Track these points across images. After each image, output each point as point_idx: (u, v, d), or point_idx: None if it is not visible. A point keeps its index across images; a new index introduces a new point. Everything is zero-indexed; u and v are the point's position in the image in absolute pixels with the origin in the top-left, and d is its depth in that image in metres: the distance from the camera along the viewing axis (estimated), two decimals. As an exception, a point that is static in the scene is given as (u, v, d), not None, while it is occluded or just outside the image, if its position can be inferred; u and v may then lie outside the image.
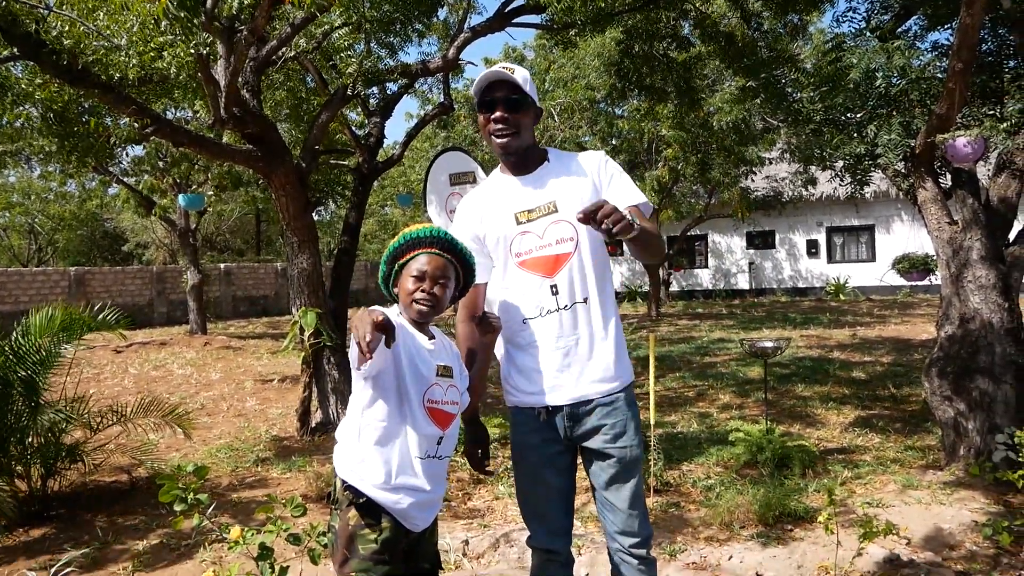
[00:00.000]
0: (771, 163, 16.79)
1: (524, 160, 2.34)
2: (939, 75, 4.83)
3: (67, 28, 4.90)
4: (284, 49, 6.46)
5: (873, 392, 7.50)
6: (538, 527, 2.36)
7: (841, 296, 20.99)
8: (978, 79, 4.77)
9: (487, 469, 2.45)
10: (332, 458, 2.17)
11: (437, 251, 2.15)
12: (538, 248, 2.27)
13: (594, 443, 2.28)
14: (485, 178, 3.10)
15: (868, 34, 5.02)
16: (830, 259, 22.69)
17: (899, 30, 5.22)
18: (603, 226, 1.94)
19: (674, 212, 18.25)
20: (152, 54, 4.86)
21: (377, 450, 2.05)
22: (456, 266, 2.18)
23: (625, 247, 2.20)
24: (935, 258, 5.12)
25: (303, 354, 6.41)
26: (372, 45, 7.29)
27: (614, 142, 15.67)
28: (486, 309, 2.37)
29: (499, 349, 2.43)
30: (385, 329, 1.81)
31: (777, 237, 23.37)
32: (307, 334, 6.28)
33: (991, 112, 4.75)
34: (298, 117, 9.50)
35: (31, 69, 6.29)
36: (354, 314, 1.96)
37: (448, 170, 6.00)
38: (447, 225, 3.52)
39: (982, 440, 4.51)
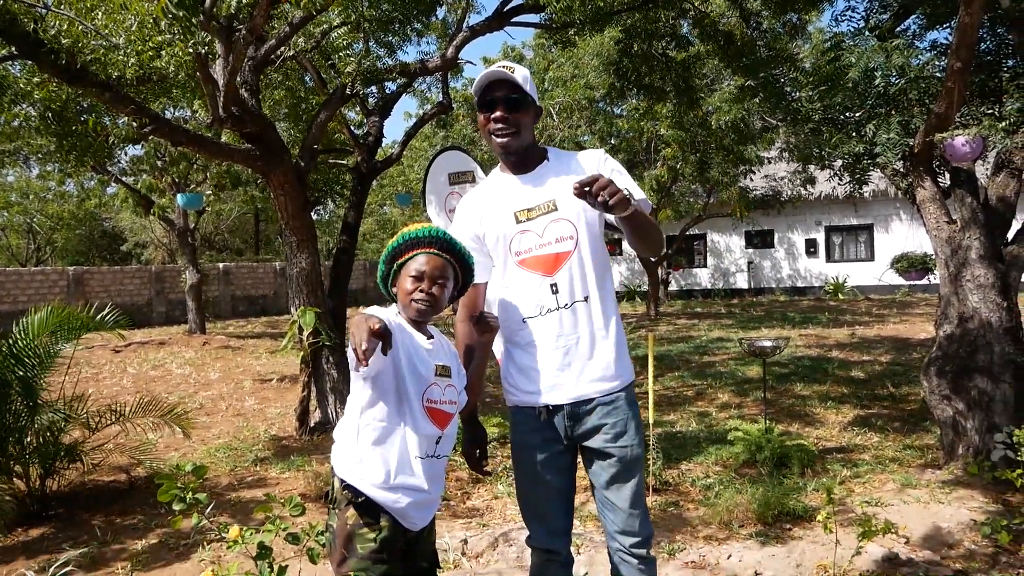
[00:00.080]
0: (770, 162, 16.79)
1: (524, 159, 2.34)
2: (938, 74, 4.83)
3: (65, 27, 4.89)
4: (283, 48, 6.46)
5: (872, 391, 7.51)
6: (538, 527, 2.36)
7: (840, 295, 21.01)
8: (977, 78, 4.77)
9: (485, 469, 2.45)
10: (331, 457, 2.17)
11: (436, 251, 2.15)
12: (538, 247, 2.27)
13: (595, 442, 2.28)
14: (484, 177, 3.10)
15: (867, 33, 5.01)
16: (829, 258, 22.70)
17: (898, 29, 5.22)
18: (599, 199, 1.94)
19: (673, 211, 18.25)
20: (150, 53, 4.85)
21: (376, 450, 2.05)
22: (455, 266, 2.18)
23: (624, 243, 2.20)
24: (934, 257, 5.13)
25: (302, 353, 6.41)
26: (371, 44, 7.30)
27: (613, 141, 15.67)
28: (485, 308, 2.37)
29: (499, 348, 2.42)
30: (382, 336, 1.81)
31: (776, 236, 23.38)
32: (306, 333, 6.28)
33: (990, 111, 4.75)
34: (297, 116, 9.50)
35: (29, 68, 6.29)
36: (353, 313, 1.96)
37: (447, 169, 6.00)
38: (447, 224, 3.53)
39: (981, 439, 4.52)
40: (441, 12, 9.88)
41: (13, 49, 5.08)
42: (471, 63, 11.00)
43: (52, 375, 5.08)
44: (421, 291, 2.11)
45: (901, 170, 5.17)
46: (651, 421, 4.86)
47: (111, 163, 13.80)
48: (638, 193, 2.28)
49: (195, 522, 2.30)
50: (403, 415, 2.06)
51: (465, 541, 3.98)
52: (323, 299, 6.73)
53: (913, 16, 5.27)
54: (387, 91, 8.34)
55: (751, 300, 21.86)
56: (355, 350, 1.79)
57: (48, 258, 30.10)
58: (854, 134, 5.00)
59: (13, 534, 4.44)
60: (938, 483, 4.49)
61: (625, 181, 2.31)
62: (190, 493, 2.26)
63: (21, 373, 4.76)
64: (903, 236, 20.77)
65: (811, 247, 22.86)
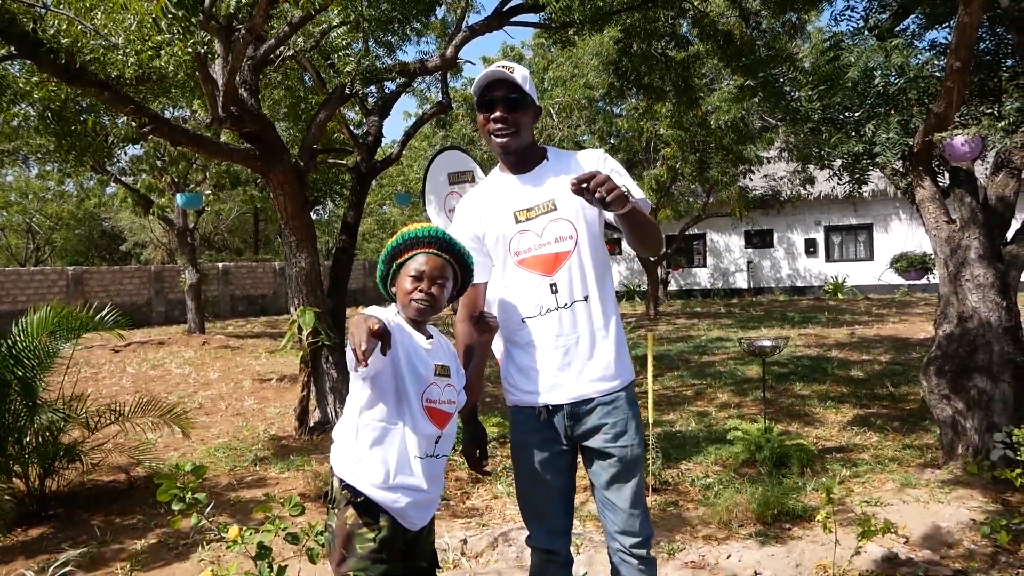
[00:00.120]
0: (769, 162, 16.80)
1: (523, 159, 2.34)
2: (937, 74, 4.83)
3: (65, 27, 4.89)
4: (282, 48, 6.45)
5: (871, 391, 7.51)
6: (538, 527, 2.36)
7: (839, 295, 21.01)
8: (976, 78, 4.77)
9: (485, 469, 2.44)
10: (330, 457, 2.17)
11: (435, 251, 2.15)
12: (537, 247, 2.27)
13: (595, 442, 2.27)
14: (484, 177, 3.10)
15: (866, 33, 5.01)
16: (828, 258, 22.70)
17: (897, 29, 5.22)
18: (596, 195, 1.94)
19: (672, 211, 18.25)
20: (150, 53, 4.85)
21: (375, 450, 2.05)
22: (454, 266, 2.18)
23: (624, 243, 2.20)
24: (933, 257, 5.12)
25: (301, 353, 6.40)
26: (370, 44, 7.30)
27: (612, 141, 15.67)
28: (485, 308, 2.37)
29: (499, 348, 2.42)
30: (381, 336, 1.82)
31: (775, 236, 23.39)
32: (305, 333, 6.28)
33: (989, 111, 4.75)
34: (296, 116, 9.50)
35: (29, 68, 6.29)
36: (352, 313, 1.96)
37: (447, 169, 6.00)
38: (446, 224, 3.52)
39: (980, 439, 4.52)
40: (440, 12, 9.88)
41: (12, 49, 5.07)
42: (470, 63, 10.96)
43: (51, 375, 5.08)
44: (420, 291, 2.11)
45: (900, 170, 5.17)
46: (650, 421, 4.86)
47: (110, 163, 13.79)
48: (637, 193, 2.28)
49: (194, 522, 2.30)
50: (402, 415, 2.06)
51: (465, 541, 3.98)
52: (322, 299, 6.73)
53: (912, 16, 5.27)
54: (386, 91, 8.34)
55: (750, 300, 21.86)
56: (354, 350, 1.79)
57: (47, 258, 30.09)
58: (853, 134, 5.00)
59: (12, 534, 4.43)
60: (937, 483, 4.49)
61: (624, 181, 2.31)
62: (189, 493, 2.27)
63: (20, 373, 4.75)
64: (902, 236, 20.78)
65: (810, 247, 22.86)
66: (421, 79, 10.54)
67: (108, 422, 5.09)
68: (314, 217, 12.08)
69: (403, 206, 22.28)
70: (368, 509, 2.04)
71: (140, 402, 5.33)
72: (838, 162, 5.43)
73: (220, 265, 22.16)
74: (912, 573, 3.39)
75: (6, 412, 4.66)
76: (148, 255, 28.54)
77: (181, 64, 5.01)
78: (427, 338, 2.16)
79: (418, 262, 2.13)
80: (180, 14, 4.38)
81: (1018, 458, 3.59)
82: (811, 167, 16.01)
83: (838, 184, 5.68)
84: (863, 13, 5.34)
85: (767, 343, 5.37)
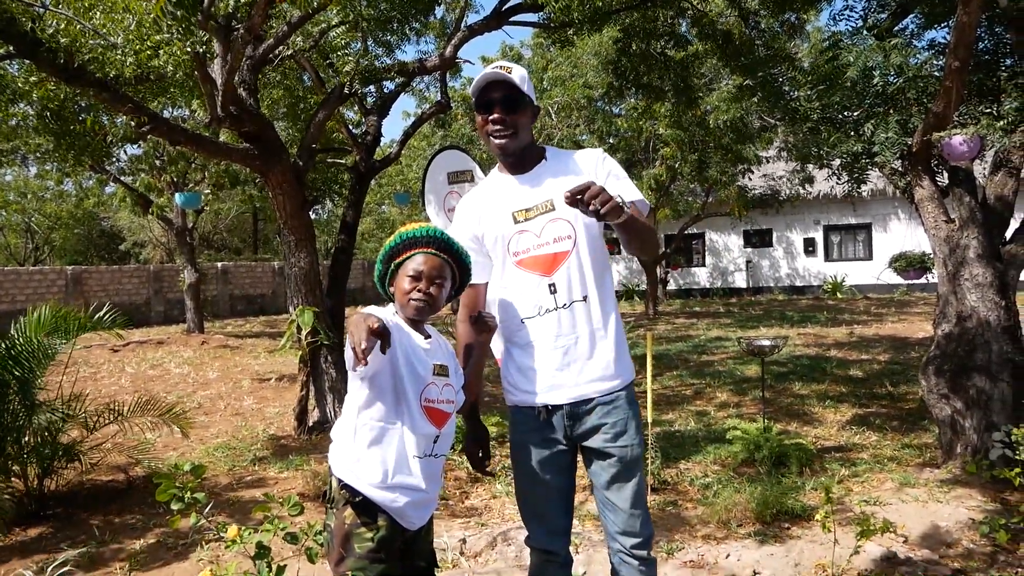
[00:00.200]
0: (768, 161, 16.80)
1: (522, 159, 2.34)
2: (936, 73, 4.83)
3: (63, 26, 4.88)
4: (281, 47, 6.45)
5: (870, 390, 7.51)
6: (537, 527, 2.36)
7: (838, 294, 21.02)
8: (975, 77, 4.77)
9: (487, 468, 2.44)
10: (328, 457, 2.17)
11: (433, 251, 2.15)
12: (536, 247, 2.27)
13: (594, 442, 2.27)
14: (483, 177, 3.10)
15: (865, 32, 5.01)
16: (827, 257, 22.71)
17: (896, 28, 5.23)
18: (590, 207, 1.94)
19: (671, 210, 18.28)
20: (148, 52, 4.84)
21: (373, 449, 2.05)
22: (452, 266, 2.18)
23: (621, 245, 2.20)
24: (932, 256, 5.13)
25: (300, 353, 6.40)
26: (369, 43, 7.30)
27: (611, 141, 15.67)
28: (485, 308, 2.37)
29: (498, 348, 2.42)
30: (381, 335, 1.82)
31: (774, 235, 23.39)
32: (304, 333, 6.28)
33: (988, 110, 4.75)
34: (295, 115, 9.49)
35: (27, 67, 6.27)
36: (351, 313, 1.96)
37: (446, 169, 5.99)
38: (446, 224, 3.52)
39: (979, 438, 4.52)
40: (439, 11, 9.90)
41: (11, 48, 5.07)
42: (469, 62, 10.93)
43: (50, 374, 5.08)
44: (419, 291, 2.11)
45: (899, 169, 5.17)
46: (650, 420, 4.86)
47: (109, 162, 13.79)
48: (636, 194, 2.28)
49: (193, 522, 2.30)
50: (401, 414, 2.06)
51: (463, 540, 3.98)
52: (321, 298, 6.73)
53: (911, 15, 5.28)
54: (385, 90, 8.34)
55: (749, 299, 21.87)
56: (354, 349, 1.79)
57: (46, 257, 30.07)
58: (852, 133, 5.01)
59: (11, 534, 4.43)
60: (936, 482, 4.50)
61: (623, 182, 2.31)
62: (188, 493, 2.27)
63: (19, 373, 4.75)
64: (901, 235, 20.79)
65: (809, 246, 22.87)
66: (420, 79, 10.56)
67: (107, 422, 5.09)
68: (313, 217, 12.10)
69: (402, 206, 22.26)
70: (366, 509, 2.04)
71: (139, 402, 5.32)
72: (837, 161, 5.44)
73: (219, 265, 22.16)
74: (911, 572, 3.39)
75: (5, 412, 4.65)
76: (147, 255, 28.53)
77: (180, 64, 5.01)
78: (425, 338, 2.16)
79: (416, 262, 2.13)
80: (179, 14, 4.39)
81: (1017, 457, 3.60)
82: (810, 166, 16.03)
83: (837, 183, 5.69)
84: (862, 13, 5.35)
85: (766, 343, 5.37)
